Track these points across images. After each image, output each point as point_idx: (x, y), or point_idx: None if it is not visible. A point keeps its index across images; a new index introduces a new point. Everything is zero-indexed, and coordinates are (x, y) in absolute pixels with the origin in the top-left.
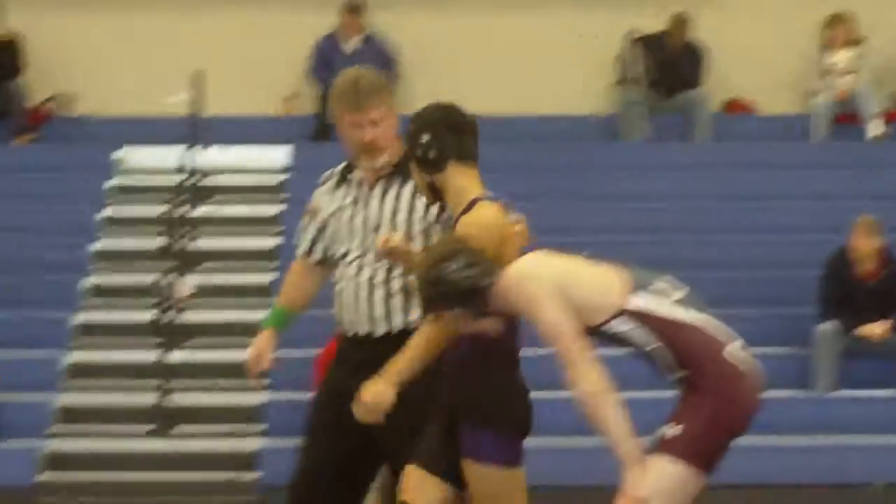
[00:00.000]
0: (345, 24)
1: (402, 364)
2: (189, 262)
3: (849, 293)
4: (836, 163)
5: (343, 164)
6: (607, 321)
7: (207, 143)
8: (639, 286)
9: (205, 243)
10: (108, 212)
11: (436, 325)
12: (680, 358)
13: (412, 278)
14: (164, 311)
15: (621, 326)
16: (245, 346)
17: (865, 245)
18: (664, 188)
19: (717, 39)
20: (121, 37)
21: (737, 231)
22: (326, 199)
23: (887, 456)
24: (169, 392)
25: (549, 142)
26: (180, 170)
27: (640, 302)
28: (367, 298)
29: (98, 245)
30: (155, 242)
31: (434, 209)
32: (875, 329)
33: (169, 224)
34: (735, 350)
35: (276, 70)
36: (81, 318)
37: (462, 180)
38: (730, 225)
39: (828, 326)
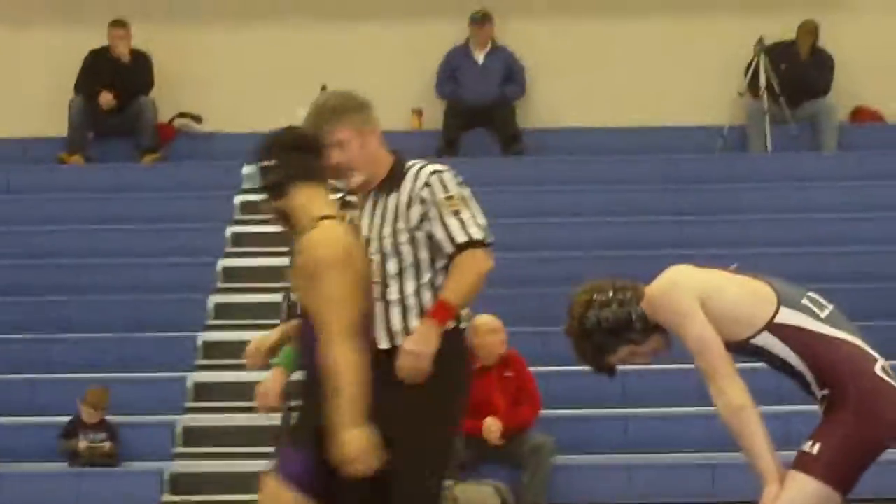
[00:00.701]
0: (473, 35)
1: (344, 405)
2: None
3: None
4: None
5: (346, 189)
6: (754, 335)
7: None
8: (787, 301)
9: None
10: (236, 229)
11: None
12: (824, 376)
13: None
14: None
15: (767, 341)
16: None
17: None
18: (791, 200)
19: (843, 46)
20: (245, 52)
21: (866, 242)
22: None
23: None
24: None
25: (675, 153)
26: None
27: (789, 317)
28: (387, 314)
29: (225, 263)
30: (281, 261)
31: (416, 214)
32: None
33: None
34: (881, 368)
35: (403, 83)
36: (207, 337)
37: (308, 200)
38: (859, 236)
39: None
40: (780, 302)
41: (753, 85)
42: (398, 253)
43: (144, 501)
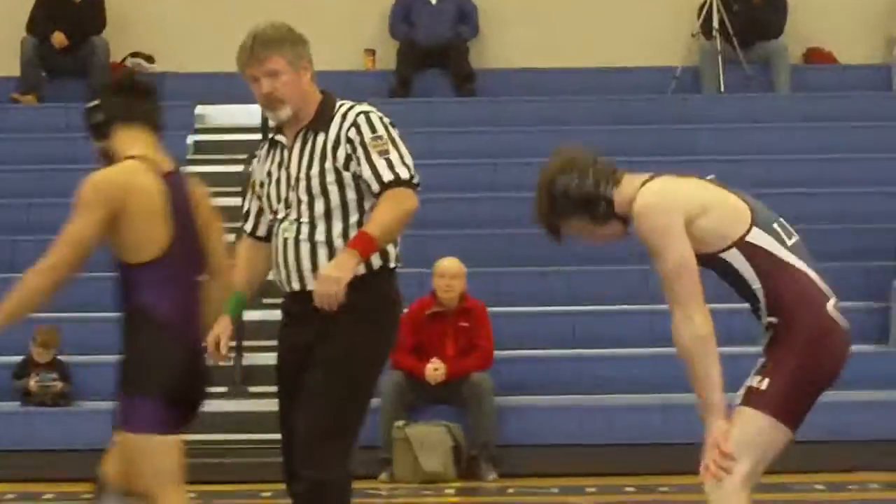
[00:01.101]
0: None
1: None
2: None
3: None
4: None
5: (275, 129)
6: (723, 250)
7: None
8: (760, 221)
9: None
10: (188, 169)
11: None
12: (778, 303)
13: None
14: None
15: (735, 258)
16: None
17: None
18: (743, 141)
19: None
20: None
21: (816, 184)
22: (259, 168)
23: None
24: (245, 351)
25: (627, 94)
26: (260, 127)
27: (759, 238)
28: (294, 255)
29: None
30: (234, 201)
31: (343, 154)
32: None
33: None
34: (833, 306)
35: (356, 24)
36: None
37: (126, 142)
38: (809, 178)
39: None
40: (754, 221)
41: (706, 26)
42: (325, 193)
43: (97, 440)
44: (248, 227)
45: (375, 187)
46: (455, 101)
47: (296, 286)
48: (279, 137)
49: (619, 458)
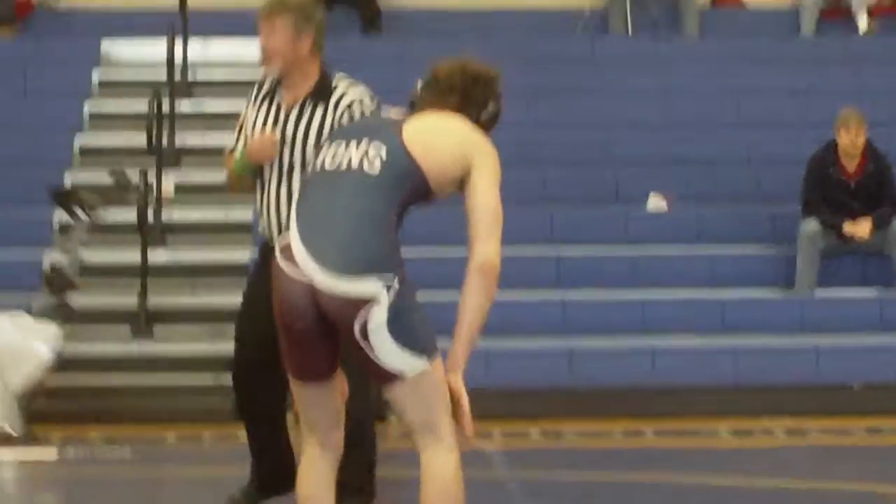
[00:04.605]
0: None
1: None
2: (173, 159)
3: (833, 190)
4: (824, 58)
5: (275, 81)
6: None
7: (196, 34)
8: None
9: (190, 140)
10: (93, 107)
11: None
12: None
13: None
14: (146, 210)
15: None
16: (226, 246)
17: (850, 140)
18: (651, 83)
19: None
20: None
21: (723, 126)
22: (251, 112)
23: (866, 356)
24: (150, 292)
25: (536, 35)
26: (167, 63)
27: None
28: (286, 211)
29: (82, 141)
30: (139, 139)
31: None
32: (859, 227)
33: (154, 120)
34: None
35: None
36: (63, 217)
37: None
38: (716, 120)
39: (810, 224)
40: None
41: None
42: None
43: None
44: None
45: None
46: (361, 39)
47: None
48: (277, 95)
49: (526, 404)
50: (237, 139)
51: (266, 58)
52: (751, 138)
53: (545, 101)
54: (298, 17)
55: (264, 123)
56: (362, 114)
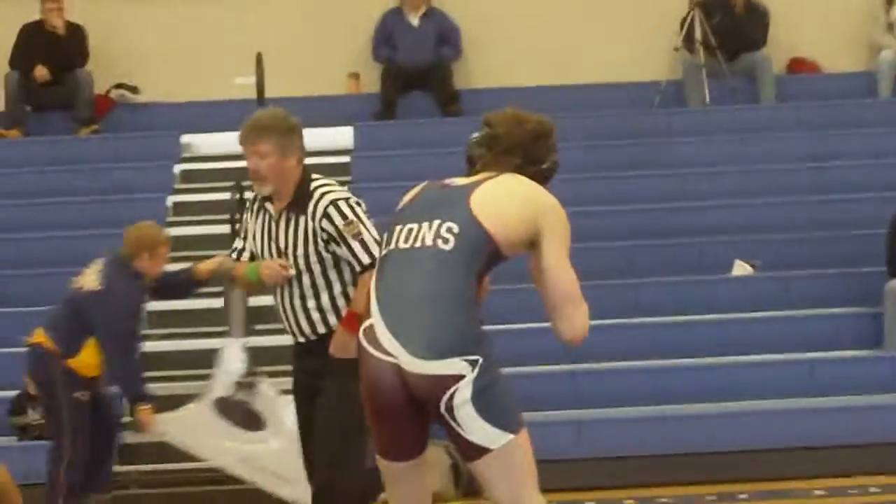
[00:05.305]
0: None
1: None
2: None
3: None
4: None
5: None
6: None
7: None
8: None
9: None
10: (177, 198)
11: None
12: None
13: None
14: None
15: None
16: None
17: None
18: (730, 153)
19: None
20: (180, 20)
21: (805, 192)
22: (250, 223)
23: None
24: None
25: (613, 110)
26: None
27: None
28: (294, 319)
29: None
30: (223, 229)
31: (322, 242)
32: None
33: (236, 210)
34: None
35: (339, 48)
36: (152, 307)
37: None
38: (798, 186)
39: None
40: None
41: (689, 39)
42: (310, 270)
43: None
44: (245, 257)
45: (358, 268)
46: (440, 122)
47: (301, 339)
48: (267, 205)
49: (621, 471)
50: (242, 245)
51: (257, 180)
52: (832, 202)
53: (624, 174)
54: (281, 137)
55: (261, 234)
56: (342, 215)
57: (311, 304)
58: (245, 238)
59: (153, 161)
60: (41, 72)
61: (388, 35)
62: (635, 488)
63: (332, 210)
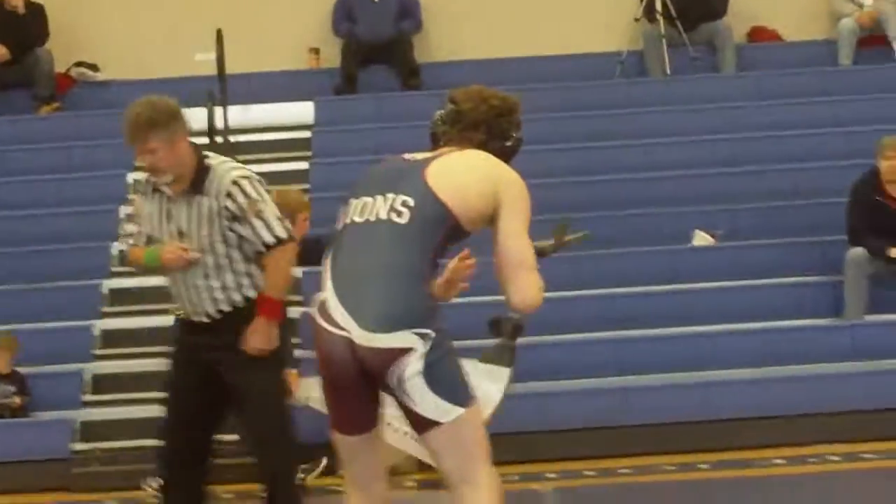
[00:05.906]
0: None
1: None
2: None
3: (878, 216)
4: (862, 88)
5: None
6: None
7: (233, 101)
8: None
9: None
10: (137, 176)
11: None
12: None
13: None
14: None
15: None
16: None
17: (889, 166)
18: (691, 123)
19: None
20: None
21: (766, 161)
22: (144, 204)
23: None
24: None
25: (573, 81)
26: (207, 130)
27: None
28: (197, 298)
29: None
30: None
31: (224, 220)
32: None
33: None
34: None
35: (299, 23)
36: (113, 284)
37: None
38: (759, 156)
39: (857, 252)
40: None
41: (649, 9)
42: (214, 251)
43: (55, 450)
44: (140, 243)
45: (261, 248)
46: (401, 96)
47: (202, 319)
48: (164, 188)
49: (580, 442)
50: (137, 230)
51: (153, 171)
52: (794, 171)
53: (586, 146)
54: (166, 129)
55: (159, 217)
56: (244, 193)
57: (214, 283)
58: (140, 223)
59: (114, 139)
60: (1, 51)
61: (348, 9)
62: (595, 459)
63: (234, 189)
